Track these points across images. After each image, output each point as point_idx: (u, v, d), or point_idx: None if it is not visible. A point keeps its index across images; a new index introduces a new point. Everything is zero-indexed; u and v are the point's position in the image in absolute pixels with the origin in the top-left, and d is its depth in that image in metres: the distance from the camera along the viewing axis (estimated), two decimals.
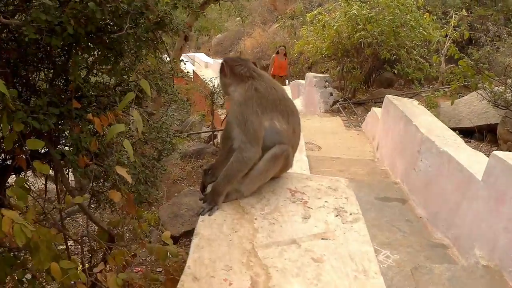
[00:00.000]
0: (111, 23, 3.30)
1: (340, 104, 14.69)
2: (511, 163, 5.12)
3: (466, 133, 11.33)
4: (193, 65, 28.42)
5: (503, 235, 5.13)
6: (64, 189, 4.17)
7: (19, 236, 2.39)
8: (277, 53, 16.67)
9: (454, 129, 10.80)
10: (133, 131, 4.70)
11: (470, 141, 11.02)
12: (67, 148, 3.79)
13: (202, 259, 2.32)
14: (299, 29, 19.24)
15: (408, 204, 7.49)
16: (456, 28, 12.28)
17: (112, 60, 3.70)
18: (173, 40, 11.84)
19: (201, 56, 30.43)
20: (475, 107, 11.48)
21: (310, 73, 16.52)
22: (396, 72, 14.13)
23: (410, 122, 8.12)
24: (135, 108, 3.29)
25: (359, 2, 13.50)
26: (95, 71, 4.07)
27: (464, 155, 6.50)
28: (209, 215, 2.71)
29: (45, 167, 3.21)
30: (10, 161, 3.92)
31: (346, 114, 13.94)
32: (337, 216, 2.78)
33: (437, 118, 10.91)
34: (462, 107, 11.73)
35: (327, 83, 15.04)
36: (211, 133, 14.96)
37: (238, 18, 33.68)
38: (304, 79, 17.06)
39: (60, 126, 3.70)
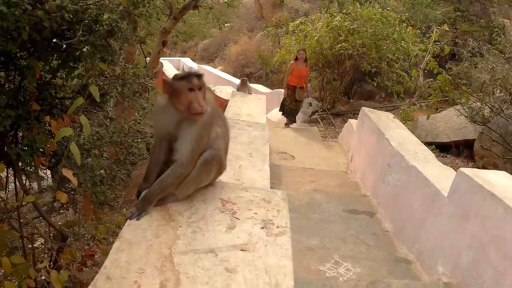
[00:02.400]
0: (67, 30, 3.45)
1: (319, 115, 14.92)
2: (476, 180, 5.15)
3: (443, 148, 11.60)
4: (178, 69, 28.50)
5: (466, 252, 5.16)
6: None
7: None
8: (296, 59, 13.43)
9: (431, 144, 11.08)
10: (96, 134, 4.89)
11: (447, 156, 11.30)
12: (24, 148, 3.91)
13: (119, 261, 2.42)
14: (283, 38, 19.26)
15: (376, 218, 7.57)
16: (437, 43, 12.46)
17: (70, 65, 3.85)
18: (147, 45, 11.97)
19: (186, 61, 30.40)
20: (453, 122, 11.67)
21: None
22: (376, 84, 14.34)
23: (383, 135, 8.21)
24: (84, 114, 3.40)
25: (342, 14, 13.65)
26: (59, 74, 4.21)
27: (432, 170, 6.56)
28: (136, 220, 2.81)
29: (0, 166, 3.36)
30: None
31: (324, 125, 14.22)
32: (262, 228, 2.84)
33: (414, 132, 11.11)
34: (439, 122, 11.93)
35: (307, 93, 14.95)
36: None
37: (226, 25, 34.07)
38: None
39: (18, 127, 3.84)
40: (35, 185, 6.63)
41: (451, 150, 11.55)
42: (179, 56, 34.67)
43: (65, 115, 3.62)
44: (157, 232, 2.69)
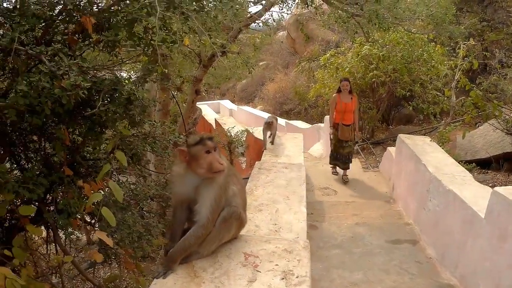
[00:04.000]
0: (89, 101, 3.74)
1: (359, 145, 14.78)
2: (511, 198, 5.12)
3: (484, 164, 11.39)
4: (219, 112, 28.92)
5: (507, 272, 5.14)
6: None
7: None
8: (339, 91, 11.50)
9: (471, 162, 11.05)
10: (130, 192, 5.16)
11: (488, 172, 11.08)
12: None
13: None
14: (317, 71, 19.33)
15: (419, 245, 7.60)
16: (466, 58, 12.43)
17: (97, 131, 4.13)
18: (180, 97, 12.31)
19: (225, 103, 30.80)
20: (490, 137, 11.54)
21: (328, 116, 16.04)
22: (411, 108, 14.30)
23: (420, 161, 8.26)
24: (113, 179, 3.62)
25: (369, 42, 13.72)
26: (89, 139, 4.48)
27: (469, 192, 6.56)
28: (163, 278, 2.99)
29: (38, 230, 3.66)
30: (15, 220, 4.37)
31: (364, 156, 14.06)
32: (282, 279, 2.95)
33: (454, 152, 11.06)
34: (477, 139, 11.81)
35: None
36: None
37: (261, 63, 34.52)
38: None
39: (52, 192, 4.12)
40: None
41: (491, 165, 11.31)
42: (219, 99, 35.16)
43: (97, 179, 3.85)
44: None
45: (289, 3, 11.33)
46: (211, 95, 37.57)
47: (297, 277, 2.97)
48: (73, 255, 5.23)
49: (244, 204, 3.54)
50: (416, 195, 8.37)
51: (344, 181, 11.62)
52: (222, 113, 28.78)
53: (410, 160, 8.95)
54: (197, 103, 23.24)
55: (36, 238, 5.29)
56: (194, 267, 3.10)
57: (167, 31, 4.10)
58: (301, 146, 9.96)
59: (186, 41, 5.24)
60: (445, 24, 11.99)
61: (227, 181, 3.25)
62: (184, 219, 3.34)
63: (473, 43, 12.87)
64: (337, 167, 12.14)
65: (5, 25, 3.75)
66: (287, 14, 14.92)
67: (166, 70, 4.90)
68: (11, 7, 3.78)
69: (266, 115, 23.09)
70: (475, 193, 6.51)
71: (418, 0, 11.61)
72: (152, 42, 3.82)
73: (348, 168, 11.74)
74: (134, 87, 3.87)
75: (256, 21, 10.48)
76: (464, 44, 12.57)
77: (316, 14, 12.58)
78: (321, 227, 8.44)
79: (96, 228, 4.41)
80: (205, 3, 4.12)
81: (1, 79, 4.36)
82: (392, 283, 6.45)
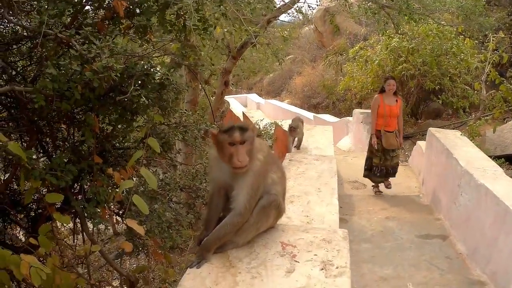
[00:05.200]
0: (121, 85, 3.64)
1: None
2: None
3: None
4: (246, 106, 28.88)
5: None
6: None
7: (35, 277, 2.71)
8: (382, 91, 9.88)
9: (500, 157, 10.91)
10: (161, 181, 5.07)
11: None
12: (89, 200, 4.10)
13: None
14: (345, 65, 19.18)
15: (449, 240, 7.49)
16: (496, 51, 12.19)
17: (128, 118, 4.04)
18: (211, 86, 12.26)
19: (252, 97, 30.74)
20: None
21: (357, 109, 15.99)
22: (441, 102, 14.05)
23: (451, 155, 8.13)
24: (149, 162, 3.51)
25: (399, 34, 13.53)
26: (119, 126, 4.39)
27: (501, 186, 6.45)
28: (196, 268, 2.87)
29: (65, 219, 3.56)
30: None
31: None
32: (322, 269, 2.85)
33: (483, 146, 10.85)
34: (507, 133, 11.67)
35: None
36: None
37: (288, 57, 34.39)
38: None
39: (80, 180, 4.04)
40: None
41: None
42: (246, 93, 35.14)
43: (128, 167, 3.76)
44: (216, 279, 2.74)
45: None
46: (239, 89, 37.61)
47: (336, 268, 2.87)
48: (100, 245, 5.18)
49: (284, 193, 3.41)
50: (447, 189, 8.23)
51: (388, 187, 10.02)
52: (249, 107, 28.73)
53: (441, 154, 8.81)
54: (225, 96, 23.28)
55: (63, 229, 5.23)
56: (230, 256, 2.99)
57: (199, 17, 3.99)
58: (331, 139, 9.92)
59: (218, 29, 5.14)
60: (474, 16, 11.75)
61: (265, 169, 3.11)
62: (221, 207, 3.22)
63: (503, 35, 12.58)
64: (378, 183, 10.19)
65: (33, 12, 3.68)
66: (316, 5, 14.80)
67: (198, 58, 4.78)
68: None
69: (294, 109, 23.01)
70: (507, 188, 6.40)
71: None
72: (185, 26, 3.70)
73: (389, 184, 10.04)
74: (168, 72, 3.74)
75: (288, 11, 10.37)
76: (493, 36, 12.29)
77: (345, 6, 12.41)
78: (351, 220, 8.36)
79: (124, 218, 4.31)
80: None
81: (29, 68, 4.30)
82: (422, 279, 6.37)
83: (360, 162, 12.54)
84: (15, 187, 4.51)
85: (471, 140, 9.89)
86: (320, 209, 5.33)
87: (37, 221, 4.13)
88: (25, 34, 3.92)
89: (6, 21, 3.81)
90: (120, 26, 4.07)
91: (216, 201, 3.23)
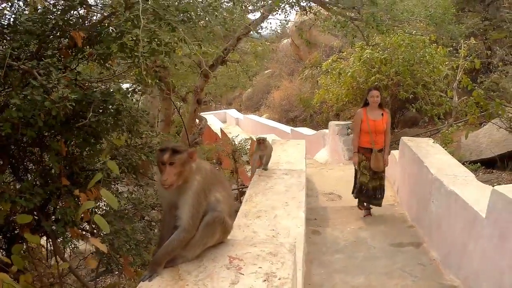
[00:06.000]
0: (81, 112, 3.91)
1: None
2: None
3: (489, 164, 11.59)
4: (225, 122, 29.20)
5: (508, 272, 5.13)
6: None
7: None
8: (365, 104, 9.02)
9: (476, 162, 11.23)
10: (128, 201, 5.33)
11: (493, 172, 11.28)
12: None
13: None
14: (318, 78, 19.50)
15: (422, 248, 7.65)
16: (467, 58, 12.51)
17: (92, 141, 4.30)
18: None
19: (231, 113, 31.09)
20: (494, 136, 11.66)
21: (332, 121, 16.25)
22: (414, 110, 14.37)
23: (422, 163, 8.30)
24: (104, 186, 3.78)
25: (370, 45, 13.85)
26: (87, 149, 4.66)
27: (471, 192, 6.57)
28: (148, 281, 3.08)
29: (35, 238, 3.88)
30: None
31: None
32: (264, 281, 3.02)
33: (458, 152, 11.14)
34: (482, 138, 11.93)
35: (349, 130, 14.45)
36: (237, 190, 15.30)
37: (266, 71, 34.77)
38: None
39: (49, 202, 4.30)
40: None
41: (496, 165, 11.48)
42: (225, 108, 35.49)
43: (93, 188, 4.01)
44: None
45: (287, 11, 11.44)
46: (218, 104, 37.91)
47: (279, 279, 3.04)
48: (77, 264, 5.41)
49: (230, 211, 3.62)
50: (419, 197, 8.46)
51: (367, 214, 9.30)
52: (229, 123, 29.11)
53: (413, 162, 9.02)
54: (204, 113, 23.57)
55: (41, 250, 5.46)
56: (179, 270, 3.19)
57: (158, 43, 4.26)
58: (303, 153, 10.06)
59: (178, 51, 5.41)
60: (444, 24, 12.05)
61: (206, 187, 3.35)
62: (172, 225, 3.43)
63: (474, 42, 12.95)
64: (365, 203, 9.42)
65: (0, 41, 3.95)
66: (285, 21, 15.16)
67: (157, 81, 5.07)
68: (5, 24, 3.96)
69: (272, 123, 23.35)
70: (477, 193, 6.52)
71: (416, 1, 11.71)
72: (141, 54, 3.98)
73: (380, 205, 9.22)
74: (122, 98, 4.00)
75: (255, 29, 10.66)
76: (465, 43, 12.64)
77: (316, 20, 12.74)
78: (324, 232, 8.51)
79: (99, 237, 4.56)
80: (192, 14, 4.27)
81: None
82: (394, 286, 6.48)
83: (335, 174, 12.88)
84: None
85: (444, 147, 10.22)
86: (286, 223, 5.61)
87: (13, 242, 4.36)
88: None
89: None
90: (83, 53, 4.34)
91: (168, 219, 3.44)
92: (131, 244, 4.72)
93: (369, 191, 8.95)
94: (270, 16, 11.34)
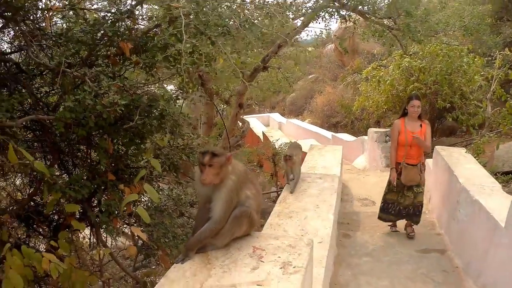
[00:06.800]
0: (129, 114, 4.38)
1: None
2: None
3: None
4: (268, 125, 29.57)
5: None
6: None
7: (53, 271, 3.42)
8: (404, 114, 8.35)
9: (508, 173, 11.23)
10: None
11: None
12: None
13: None
14: (359, 85, 19.66)
15: (447, 255, 7.82)
16: (501, 69, 12.54)
17: (137, 141, 4.76)
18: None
19: (275, 116, 31.34)
20: None
21: (372, 128, 16.44)
22: (451, 119, 14.48)
23: (452, 172, 8.43)
24: (147, 182, 4.19)
25: (408, 54, 13.99)
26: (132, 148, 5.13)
27: (495, 202, 6.71)
28: (181, 264, 3.52)
29: (81, 225, 4.39)
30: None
31: None
32: (281, 268, 3.38)
33: (491, 163, 11.19)
34: None
35: (388, 137, 14.23)
36: (276, 193, 15.58)
37: (310, 76, 35.01)
38: None
39: (96, 195, 4.77)
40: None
41: None
42: (268, 112, 35.80)
43: (137, 183, 4.47)
44: (195, 272, 3.36)
45: (327, 19, 11.70)
46: (261, 108, 38.29)
47: (294, 267, 3.38)
48: (117, 254, 5.88)
49: (257, 207, 4.00)
50: (448, 205, 8.60)
51: (409, 236, 8.63)
52: (272, 126, 29.39)
53: (445, 171, 9.13)
54: (247, 116, 23.95)
55: (80, 239, 5.94)
56: (209, 256, 3.59)
57: (199, 54, 4.71)
58: (339, 158, 10.35)
59: (220, 60, 5.85)
60: (479, 35, 12.12)
61: (238, 186, 3.76)
62: (206, 217, 3.82)
63: (508, 52, 12.98)
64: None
65: (54, 48, 4.42)
66: (326, 30, 15.42)
67: (199, 87, 5.59)
68: (59, 33, 4.46)
69: (314, 128, 23.58)
70: (501, 204, 6.64)
71: (450, 12, 11.83)
72: (184, 65, 4.42)
73: (412, 230, 8.66)
74: (166, 103, 4.47)
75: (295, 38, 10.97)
76: (500, 54, 12.69)
77: (355, 28, 13.00)
78: (354, 235, 8.77)
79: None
80: (230, 28, 4.70)
81: (51, 94, 5.04)
82: None
83: (372, 180, 13.05)
84: (39, 200, 5.23)
85: (476, 157, 10.22)
86: (315, 224, 5.98)
87: (58, 230, 4.83)
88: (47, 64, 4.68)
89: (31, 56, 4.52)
90: (130, 62, 4.81)
91: (202, 212, 3.87)
92: (169, 236, 5.17)
93: (397, 209, 8.48)
94: (310, 24, 11.66)
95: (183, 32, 4.23)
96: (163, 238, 5.16)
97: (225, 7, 4.73)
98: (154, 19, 5.03)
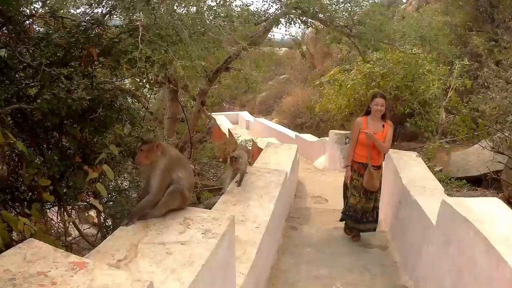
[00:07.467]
0: (94, 108, 5.43)
1: None
2: (456, 208, 5.69)
3: (475, 182, 12.36)
4: (237, 123, 30.51)
5: (447, 276, 5.71)
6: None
7: (27, 231, 4.31)
8: (367, 113, 8.41)
9: (461, 178, 12.01)
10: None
11: (477, 189, 12.04)
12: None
13: (106, 245, 4.01)
14: (321, 87, 20.51)
15: (388, 251, 8.47)
16: (460, 78, 13.28)
17: (101, 130, 5.81)
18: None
19: (244, 115, 32.09)
20: (483, 155, 12.32)
21: (333, 130, 17.29)
22: (408, 125, 15.38)
23: (397, 173, 9.00)
24: (106, 164, 5.17)
25: (368, 61, 14.88)
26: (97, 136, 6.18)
27: (433, 203, 6.97)
28: (126, 226, 4.39)
29: (50, 197, 5.42)
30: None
31: None
32: (202, 233, 4.25)
33: (446, 168, 11.98)
34: (471, 156, 12.74)
35: (348, 139, 14.82)
36: None
37: (281, 77, 35.95)
38: None
39: (65, 174, 5.79)
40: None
41: (482, 183, 12.21)
42: (238, 110, 36.62)
43: (97, 165, 5.48)
44: (135, 232, 4.24)
45: (288, 25, 12.43)
46: (231, 106, 39.05)
47: (212, 233, 4.27)
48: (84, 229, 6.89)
49: (189, 186, 4.93)
50: (392, 205, 9.26)
51: (353, 240, 8.87)
52: (240, 124, 30.47)
53: (391, 173, 9.68)
54: (216, 113, 24.82)
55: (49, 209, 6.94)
56: (148, 222, 4.47)
57: (152, 61, 5.83)
58: (293, 156, 11.13)
59: (177, 64, 6.93)
60: (437, 44, 12.87)
61: (170, 167, 4.72)
62: (148, 191, 4.74)
63: (467, 62, 13.82)
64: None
65: (36, 49, 5.43)
66: (287, 34, 16.16)
67: (164, 85, 6.74)
68: (41, 37, 5.48)
69: (279, 128, 24.43)
70: (437, 204, 6.78)
71: (411, 21, 12.54)
72: (140, 68, 5.49)
73: (373, 230, 8.72)
74: (123, 99, 5.54)
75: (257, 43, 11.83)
76: (459, 63, 13.54)
77: (316, 34, 13.78)
78: (301, 228, 9.48)
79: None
80: (183, 37, 5.75)
81: (31, 86, 6.01)
82: (352, 280, 7.25)
83: (328, 179, 13.94)
84: (16, 177, 6.20)
85: (426, 162, 10.93)
86: (256, 211, 6.82)
87: (31, 203, 5.80)
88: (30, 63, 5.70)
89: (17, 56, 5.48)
90: (98, 63, 5.87)
91: (146, 188, 4.82)
92: (125, 214, 6.15)
93: (357, 213, 8.42)
94: (274, 29, 12.51)
95: (140, 42, 5.31)
96: (119, 213, 6.22)
97: (179, 20, 5.72)
98: (118, 29, 6.11)
